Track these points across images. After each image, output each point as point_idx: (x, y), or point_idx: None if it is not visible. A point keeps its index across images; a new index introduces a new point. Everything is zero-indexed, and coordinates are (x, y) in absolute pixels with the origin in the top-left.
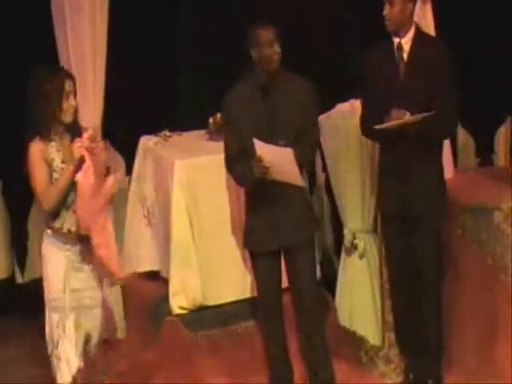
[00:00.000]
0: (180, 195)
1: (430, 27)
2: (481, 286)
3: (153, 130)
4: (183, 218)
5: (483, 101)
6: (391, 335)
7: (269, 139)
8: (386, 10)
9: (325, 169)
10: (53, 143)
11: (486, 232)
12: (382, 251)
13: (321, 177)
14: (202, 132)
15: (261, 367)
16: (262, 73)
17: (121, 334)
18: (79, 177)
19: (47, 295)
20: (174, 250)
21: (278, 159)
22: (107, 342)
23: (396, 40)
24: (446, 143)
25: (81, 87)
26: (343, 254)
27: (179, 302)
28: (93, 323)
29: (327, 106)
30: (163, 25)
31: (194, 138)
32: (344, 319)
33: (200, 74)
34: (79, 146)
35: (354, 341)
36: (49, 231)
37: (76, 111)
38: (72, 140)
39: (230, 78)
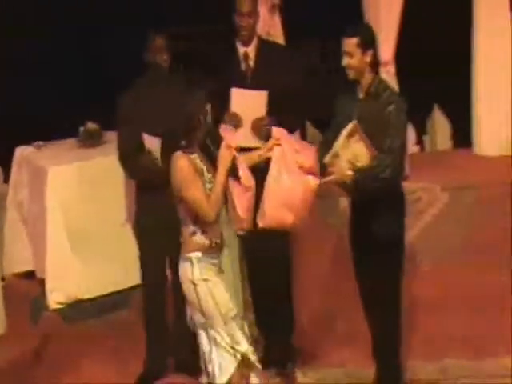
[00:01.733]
0: (54, 199)
1: (278, 36)
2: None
3: (27, 141)
4: (57, 220)
5: None
6: (252, 316)
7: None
8: None
9: None
10: (195, 154)
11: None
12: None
13: None
14: (73, 140)
15: (138, 354)
16: (154, 74)
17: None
18: None
19: None
20: (49, 250)
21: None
22: None
23: (242, 49)
24: None
25: None
26: None
27: (56, 297)
28: None
29: None
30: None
31: (66, 146)
32: None
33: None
34: (230, 147)
35: None
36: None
37: None
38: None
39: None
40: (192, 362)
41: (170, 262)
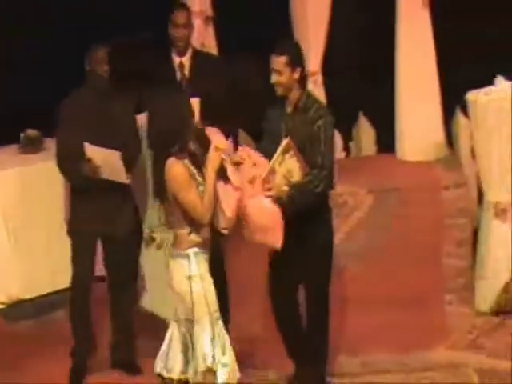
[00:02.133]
0: None
1: (212, 47)
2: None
3: None
4: None
5: None
6: None
7: (101, 142)
8: None
9: None
10: (186, 159)
11: None
12: None
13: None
14: (14, 146)
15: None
16: (93, 86)
17: None
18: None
19: None
20: None
21: (106, 161)
22: None
23: (177, 59)
24: None
25: None
26: (143, 246)
27: None
28: None
29: None
30: None
31: (7, 152)
32: (146, 303)
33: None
34: (217, 152)
35: (156, 322)
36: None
37: None
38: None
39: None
40: (128, 359)
41: (107, 263)
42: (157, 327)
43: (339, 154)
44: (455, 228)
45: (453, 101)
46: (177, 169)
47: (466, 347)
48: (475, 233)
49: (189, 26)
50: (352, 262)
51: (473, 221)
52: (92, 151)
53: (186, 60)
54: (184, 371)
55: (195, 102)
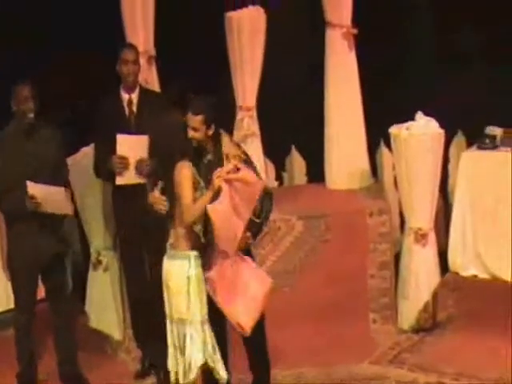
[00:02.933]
0: None
1: (155, 85)
2: None
3: None
4: None
5: None
6: (130, 331)
7: (32, 177)
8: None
9: (73, 200)
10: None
11: None
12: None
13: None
14: None
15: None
16: (20, 123)
17: None
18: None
19: None
20: None
21: (48, 196)
22: None
23: (126, 96)
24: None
25: None
26: (90, 268)
27: None
28: None
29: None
30: None
31: None
32: (92, 321)
33: None
34: (219, 177)
35: (101, 338)
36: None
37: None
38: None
39: None
40: (74, 373)
41: (47, 280)
42: (100, 340)
43: (272, 183)
44: (378, 252)
45: (377, 133)
46: (185, 171)
47: (389, 362)
48: (397, 256)
49: (138, 62)
50: (284, 282)
51: (395, 245)
52: (33, 188)
53: (135, 96)
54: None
55: (144, 140)
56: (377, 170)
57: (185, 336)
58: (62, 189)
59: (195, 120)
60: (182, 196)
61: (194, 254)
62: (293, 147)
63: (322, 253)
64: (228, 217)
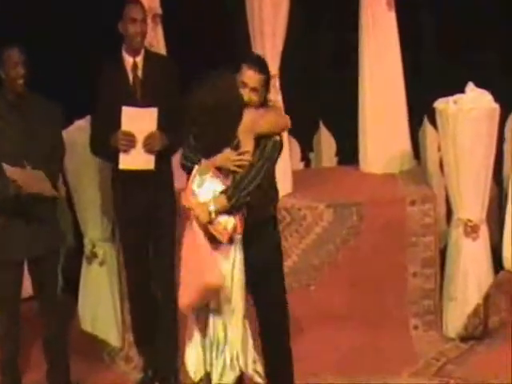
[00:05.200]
0: None
1: (161, 48)
2: None
3: None
4: None
5: None
6: (130, 336)
7: (20, 158)
8: None
9: (65, 182)
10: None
11: None
12: (120, 258)
13: (62, 189)
14: None
15: None
16: (9, 93)
17: None
18: None
19: None
20: None
21: (28, 179)
22: None
23: (130, 59)
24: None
25: None
26: (84, 262)
27: None
28: None
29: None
30: None
31: None
32: (86, 324)
33: None
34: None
35: (96, 343)
36: None
37: None
38: None
39: None
40: (63, 380)
41: (35, 276)
42: (95, 346)
43: (297, 165)
44: (421, 246)
45: (419, 108)
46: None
47: (433, 375)
48: (442, 252)
49: (145, 21)
50: (309, 279)
51: (440, 239)
52: (11, 172)
53: (140, 60)
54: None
55: (153, 113)
56: (419, 150)
57: (225, 328)
58: (41, 172)
59: (256, 79)
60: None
61: (238, 237)
62: (321, 123)
63: (354, 247)
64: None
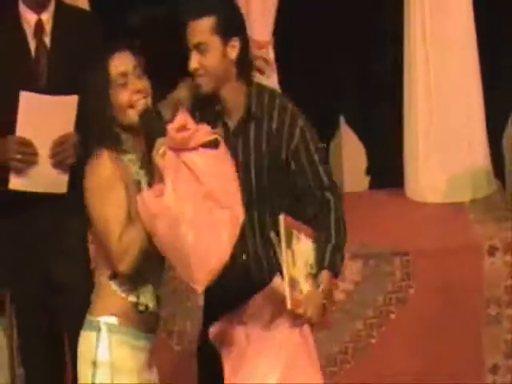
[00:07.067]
0: None
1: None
2: None
3: None
4: None
5: None
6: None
7: None
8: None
9: None
10: (129, 156)
11: None
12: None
13: None
14: None
15: None
16: None
17: None
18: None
19: None
20: None
21: None
22: None
23: (32, 16)
24: None
25: None
26: None
27: None
28: None
29: None
30: None
31: None
32: None
33: None
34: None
35: None
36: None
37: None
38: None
39: None
40: None
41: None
42: None
43: None
44: (505, 322)
45: (498, 112)
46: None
47: None
48: None
49: None
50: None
51: None
52: None
53: (48, 18)
54: None
55: (70, 102)
56: (503, 168)
57: None
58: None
59: (200, 27)
60: (103, 219)
61: (109, 321)
62: (342, 120)
63: (394, 324)
64: (184, 213)
